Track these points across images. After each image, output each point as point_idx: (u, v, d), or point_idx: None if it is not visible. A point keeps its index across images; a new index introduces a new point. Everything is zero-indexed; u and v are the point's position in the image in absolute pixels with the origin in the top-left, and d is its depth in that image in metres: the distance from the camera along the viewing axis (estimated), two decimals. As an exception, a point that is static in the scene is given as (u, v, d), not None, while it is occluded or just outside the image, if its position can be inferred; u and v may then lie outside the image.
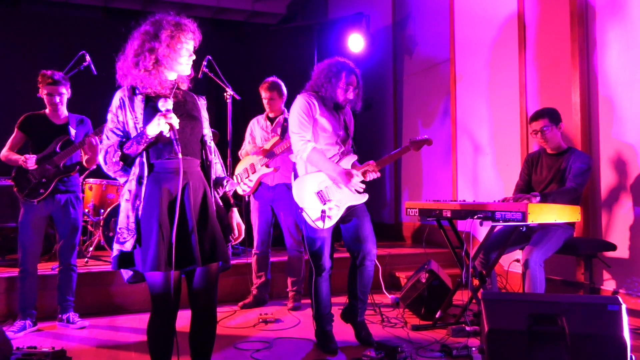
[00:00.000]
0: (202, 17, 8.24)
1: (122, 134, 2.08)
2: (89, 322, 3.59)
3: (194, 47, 2.18)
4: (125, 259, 2.05)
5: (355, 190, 3.03)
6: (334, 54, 3.60)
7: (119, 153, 2.05)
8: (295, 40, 6.63)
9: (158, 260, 1.96)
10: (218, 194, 2.27)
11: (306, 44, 6.50)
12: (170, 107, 2.01)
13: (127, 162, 2.07)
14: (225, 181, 2.30)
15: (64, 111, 3.61)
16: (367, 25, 6.51)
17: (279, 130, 4.08)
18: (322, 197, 2.98)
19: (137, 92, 2.10)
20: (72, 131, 3.59)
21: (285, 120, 4.12)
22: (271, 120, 4.17)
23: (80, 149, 3.56)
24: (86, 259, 4.41)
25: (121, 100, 2.10)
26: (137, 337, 3.32)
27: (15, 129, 3.55)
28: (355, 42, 6.12)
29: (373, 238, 3.11)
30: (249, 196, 4.20)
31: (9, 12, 6.71)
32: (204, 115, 2.27)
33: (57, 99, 3.51)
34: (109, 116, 2.11)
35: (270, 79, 4.15)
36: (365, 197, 3.08)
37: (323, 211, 2.95)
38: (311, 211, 2.95)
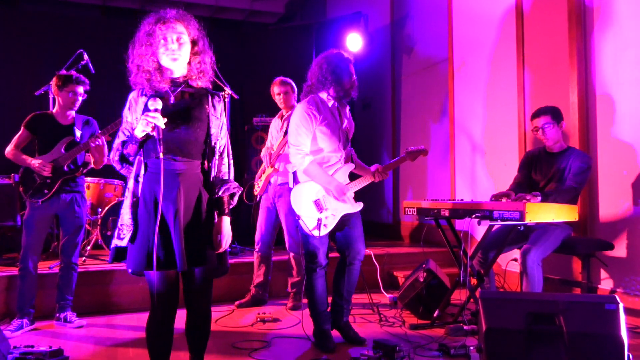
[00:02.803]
0: (201, 16, 8.18)
1: (129, 134, 2.11)
2: (86, 321, 3.58)
3: (184, 33, 2.08)
4: (120, 254, 2.09)
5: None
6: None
7: (119, 152, 2.10)
8: (294, 40, 6.63)
9: (141, 260, 1.99)
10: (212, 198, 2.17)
11: (305, 43, 6.50)
12: (159, 106, 1.97)
13: (128, 161, 2.10)
14: (220, 186, 2.16)
15: (71, 112, 3.60)
16: (365, 24, 6.50)
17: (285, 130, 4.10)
18: (319, 206, 3.01)
19: (143, 93, 2.12)
20: (78, 132, 3.58)
21: None
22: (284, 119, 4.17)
23: (85, 151, 3.55)
24: (84, 258, 4.40)
25: (129, 102, 2.14)
26: (135, 336, 3.31)
27: (22, 128, 3.53)
28: (354, 42, 6.12)
29: (362, 238, 3.16)
30: (260, 196, 4.22)
31: (8, 10, 6.68)
32: (214, 114, 2.15)
33: (80, 98, 3.54)
34: (123, 116, 2.15)
35: (280, 77, 4.21)
36: (360, 206, 3.11)
37: (319, 219, 3.00)
38: (307, 219, 2.99)
